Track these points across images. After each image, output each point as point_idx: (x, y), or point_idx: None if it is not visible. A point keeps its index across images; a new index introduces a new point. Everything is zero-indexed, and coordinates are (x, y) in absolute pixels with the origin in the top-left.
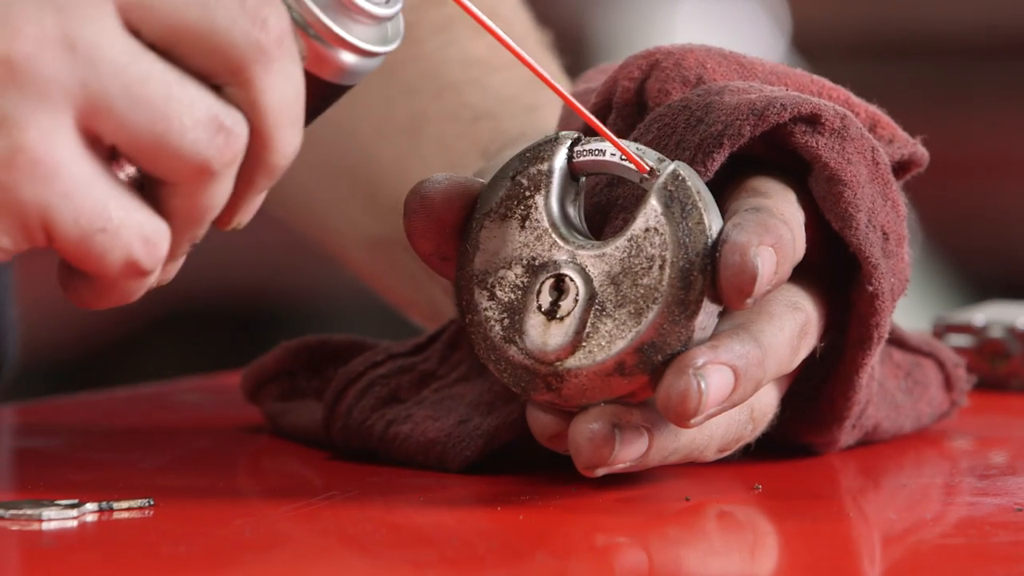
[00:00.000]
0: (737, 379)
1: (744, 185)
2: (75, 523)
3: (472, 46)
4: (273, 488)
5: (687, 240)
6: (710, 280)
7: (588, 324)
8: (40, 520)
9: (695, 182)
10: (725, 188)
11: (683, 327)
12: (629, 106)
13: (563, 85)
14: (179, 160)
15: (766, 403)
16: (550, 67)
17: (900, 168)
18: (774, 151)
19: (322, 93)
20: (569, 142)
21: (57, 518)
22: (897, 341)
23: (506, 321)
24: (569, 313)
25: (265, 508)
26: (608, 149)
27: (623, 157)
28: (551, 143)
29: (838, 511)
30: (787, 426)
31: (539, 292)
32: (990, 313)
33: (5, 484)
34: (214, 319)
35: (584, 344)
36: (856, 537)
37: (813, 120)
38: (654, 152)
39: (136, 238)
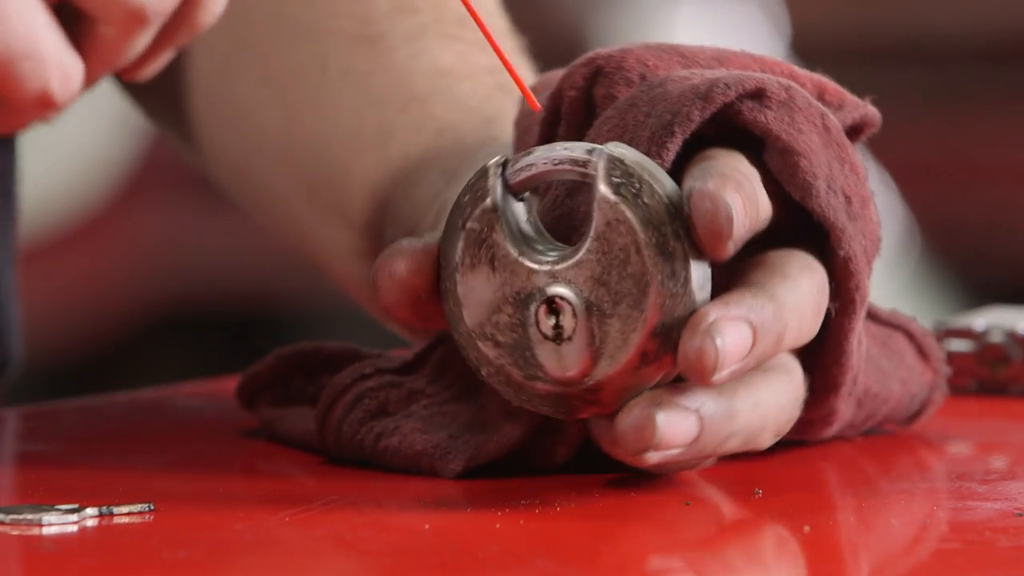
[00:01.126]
0: (755, 333)
1: (697, 157)
2: (75, 528)
3: (441, 55)
4: (273, 493)
5: (648, 215)
6: (686, 241)
7: (596, 332)
8: (40, 525)
9: (633, 156)
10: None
11: (682, 295)
12: (578, 115)
13: (528, 81)
14: (117, 2)
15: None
16: (519, 68)
17: (853, 132)
18: (725, 132)
19: None
20: (499, 169)
21: (57, 523)
22: (870, 314)
23: (520, 361)
24: (574, 330)
25: (265, 513)
26: (539, 160)
27: (557, 162)
28: (482, 178)
29: (837, 516)
30: None
31: (537, 322)
32: (991, 318)
33: (5, 489)
34: (214, 324)
35: (601, 351)
36: (855, 542)
37: (758, 95)
38: (583, 144)
39: (56, 71)
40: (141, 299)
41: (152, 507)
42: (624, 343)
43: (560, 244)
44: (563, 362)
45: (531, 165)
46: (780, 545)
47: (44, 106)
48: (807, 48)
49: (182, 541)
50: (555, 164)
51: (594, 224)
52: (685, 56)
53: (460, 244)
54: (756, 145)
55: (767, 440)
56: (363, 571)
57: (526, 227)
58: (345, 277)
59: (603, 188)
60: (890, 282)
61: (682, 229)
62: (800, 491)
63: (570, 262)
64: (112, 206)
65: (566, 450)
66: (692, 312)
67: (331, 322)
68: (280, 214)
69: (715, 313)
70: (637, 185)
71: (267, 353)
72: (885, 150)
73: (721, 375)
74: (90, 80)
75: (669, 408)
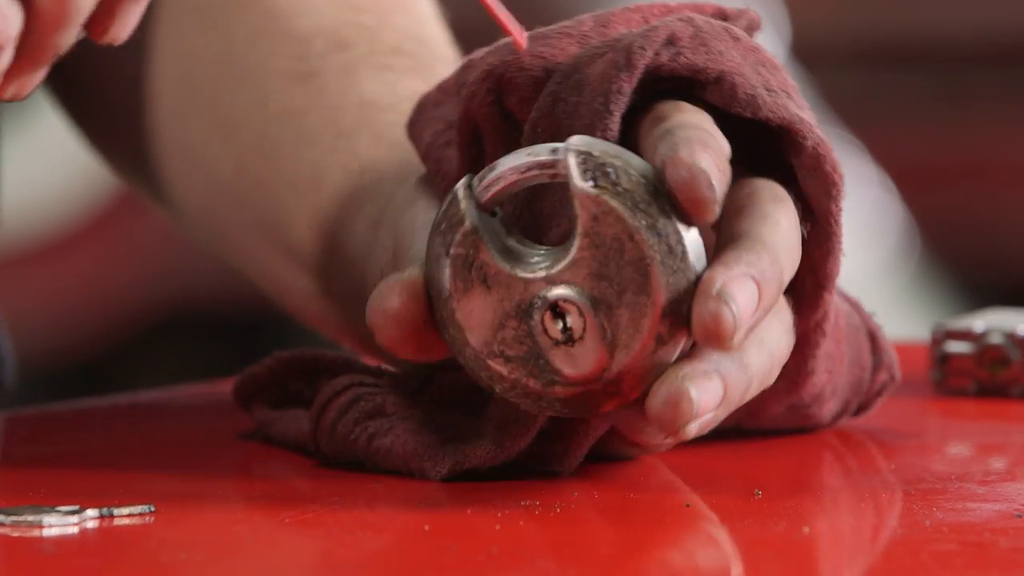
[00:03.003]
0: (759, 286)
1: (646, 119)
2: (76, 529)
3: (370, 87)
4: (274, 494)
5: (632, 199)
6: (674, 214)
7: (606, 326)
8: (41, 526)
9: (599, 145)
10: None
11: (683, 268)
12: (500, 128)
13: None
14: None
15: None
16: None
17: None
18: (651, 84)
19: None
20: (468, 191)
21: (58, 524)
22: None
23: (535, 370)
24: (583, 328)
25: (266, 514)
26: (505, 172)
27: (523, 170)
28: (453, 203)
29: (837, 517)
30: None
31: (545, 329)
32: (990, 320)
33: (6, 490)
34: (215, 326)
35: (616, 343)
36: (854, 543)
37: (670, 41)
38: (545, 145)
39: None
40: (143, 301)
41: (153, 509)
42: (637, 330)
43: (547, 248)
44: (579, 361)
45: (499, 179)
46: (780, 546)
47: None
48: (806, 51)
49: (183, 543)
50: (522, 172)
51: (580, 221)
52: (572, 35)
53: (448, 271)
54: (687, 87)
55: (775, 375)
56: (364, 572)
57: (509, 239)
58: (316, 319)
59: (580, 184)
60: (890, 284)
61: (667, 204)
62: (800, 492)
63: (564, 263)
64: (114, 208)
65: (560, 465)
66: (695, 281)
67: None
68: (244, 259)
69: (720, 277)
70: (612, 173)
71: (268, 355)
72: (885, 152)
73: (739, 336)
74: (44, 31)
75: (695, 377)
